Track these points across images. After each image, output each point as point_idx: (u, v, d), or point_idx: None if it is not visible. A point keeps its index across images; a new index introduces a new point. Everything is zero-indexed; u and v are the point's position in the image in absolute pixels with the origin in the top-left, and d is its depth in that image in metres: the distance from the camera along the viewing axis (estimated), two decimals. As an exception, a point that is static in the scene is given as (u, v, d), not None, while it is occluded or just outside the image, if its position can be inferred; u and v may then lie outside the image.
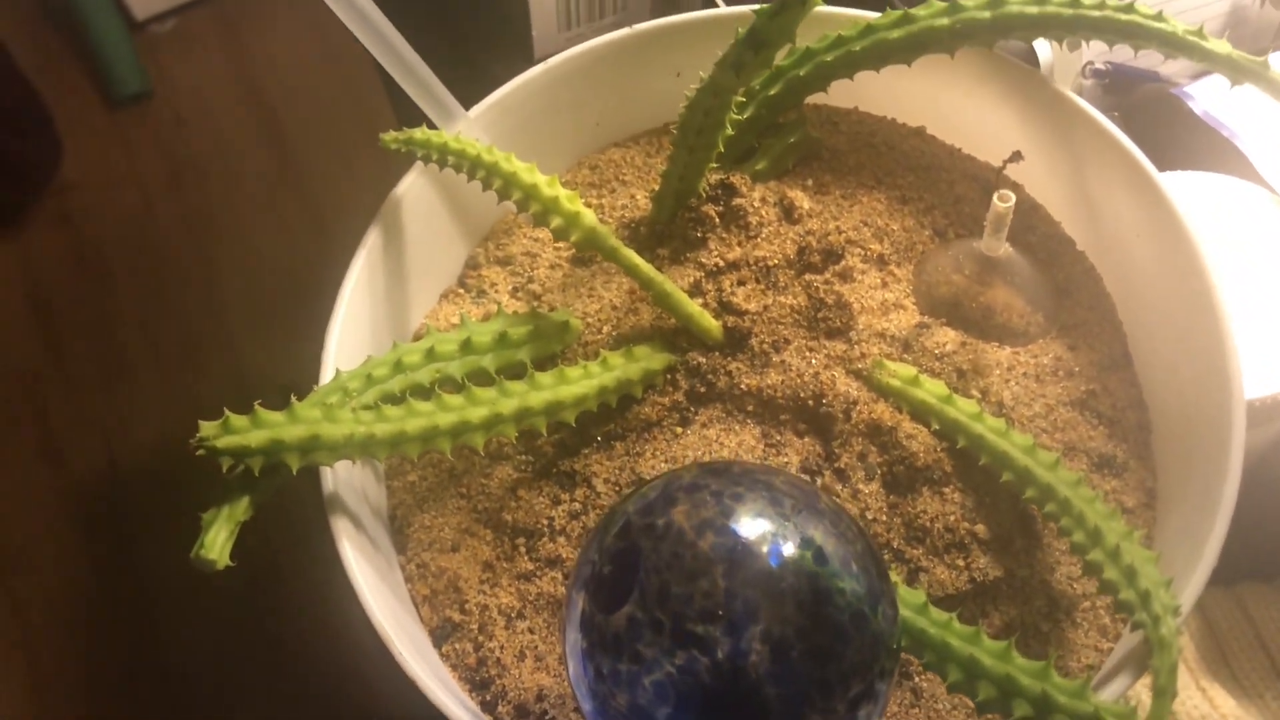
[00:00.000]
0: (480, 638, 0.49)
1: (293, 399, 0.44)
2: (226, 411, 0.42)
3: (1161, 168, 0.64)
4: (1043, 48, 0.66)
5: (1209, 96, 0.65)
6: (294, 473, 0.43)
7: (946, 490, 0.49)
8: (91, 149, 0.82)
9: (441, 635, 0.50)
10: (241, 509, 0.43)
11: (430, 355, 0.49)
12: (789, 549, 0.38)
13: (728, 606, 0.36)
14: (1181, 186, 0.62)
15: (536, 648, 0.49)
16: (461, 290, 0.59)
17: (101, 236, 0.77)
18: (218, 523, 0.42)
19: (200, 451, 0.41)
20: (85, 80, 0.85)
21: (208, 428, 0.42)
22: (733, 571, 0.37)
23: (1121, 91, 0.74)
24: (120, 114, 0.84)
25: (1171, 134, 0.71)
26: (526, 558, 0.51)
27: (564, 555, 0.50)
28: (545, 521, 0.51)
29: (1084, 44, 0.52)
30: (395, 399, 0.48)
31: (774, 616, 0.37)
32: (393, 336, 0.55)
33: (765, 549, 0.38)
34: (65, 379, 0.72)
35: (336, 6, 0.47)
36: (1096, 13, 0.50)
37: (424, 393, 0.49)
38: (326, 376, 0.49)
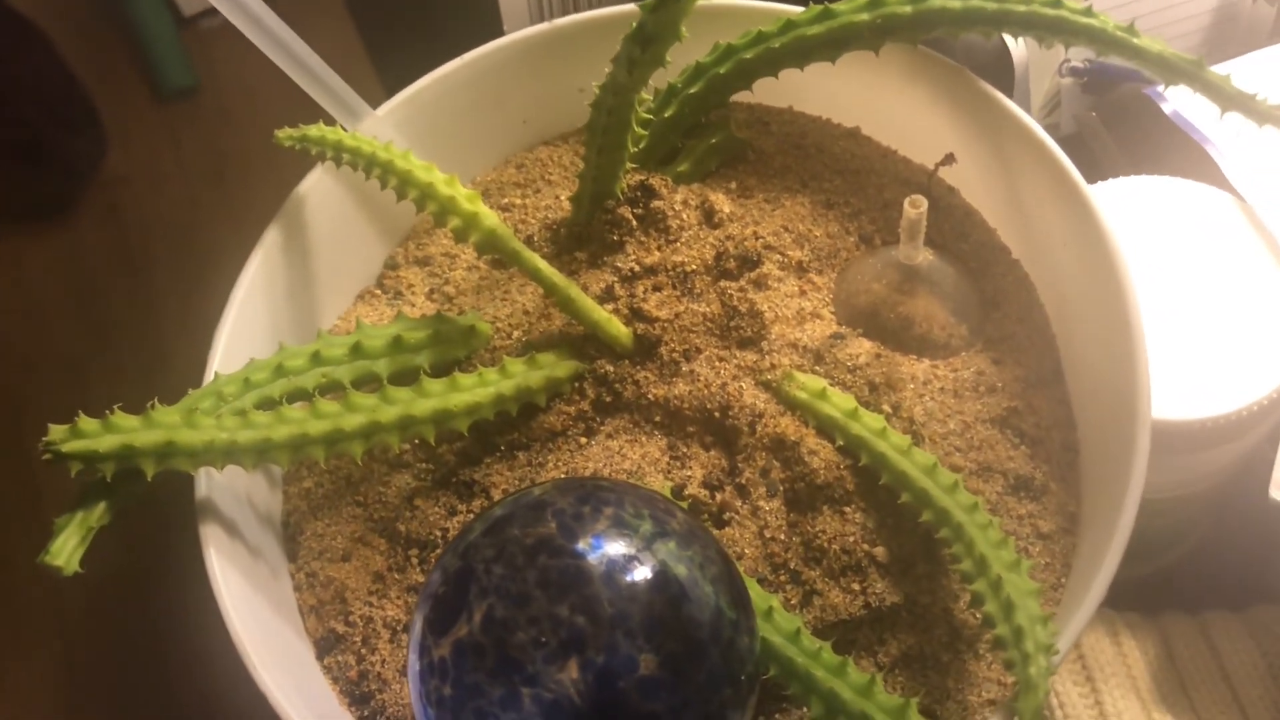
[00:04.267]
0: (363, 651, 0.48)
1: (154, 403, 0.43)
2: (80, 414, 0.41)
3: (1134, 170, 0.61)
4: (1015, 44, 0.63)
5: (1180, 98, 0.62)
6: (149, 479, 0.42)
7: (847, 510, 0.46)
8: (138, 142, 0.83)
9: (325, 647, 0.49)
10: (97, 515, 0.42)
11: (316, 359, 0.48)
12: (630, 572, 0.36)
13: (553, 633, 0.35)
14: (1143, 191, 0.59)
15: (422, 662, 0.48)
16: (379, 292, 0.58)
17: (146, 229, 0.77)
18: (69, 528, 0.41)
19: (46, 457, 0.40)
20: (132, 74, 0.87)
21: (56, 431, 0.41)
22: (561, 596, 0.35)
23: (1100, 90, 0.71)
24: (167, 108, 0.85)
25: (1146, 135, 0.68)
26: (418, 569, 0.49)
27: (455, 567, 0.49)
28: (439, 533, 0.49)
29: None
30: (275, 405, 0.47)
31: (602, 645, 0.35)
32: (300, 340, 0.54)
33: (601, 571, 0.36)
34: (107, 369, 0.73)
35: (223, 7, 0.46)
36: (1022, 7, 0.48)
37: (308, 399, 0.48)
38: (208, 379, 0.48)
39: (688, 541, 0.38)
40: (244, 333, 0.50)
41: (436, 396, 0.47)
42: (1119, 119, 0.71)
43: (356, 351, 0.49)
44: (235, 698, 0.48)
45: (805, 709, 0.44)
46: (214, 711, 0.57)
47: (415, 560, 0.49)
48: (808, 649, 0.40)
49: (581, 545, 0.36)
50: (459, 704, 0.35)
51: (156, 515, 0.45)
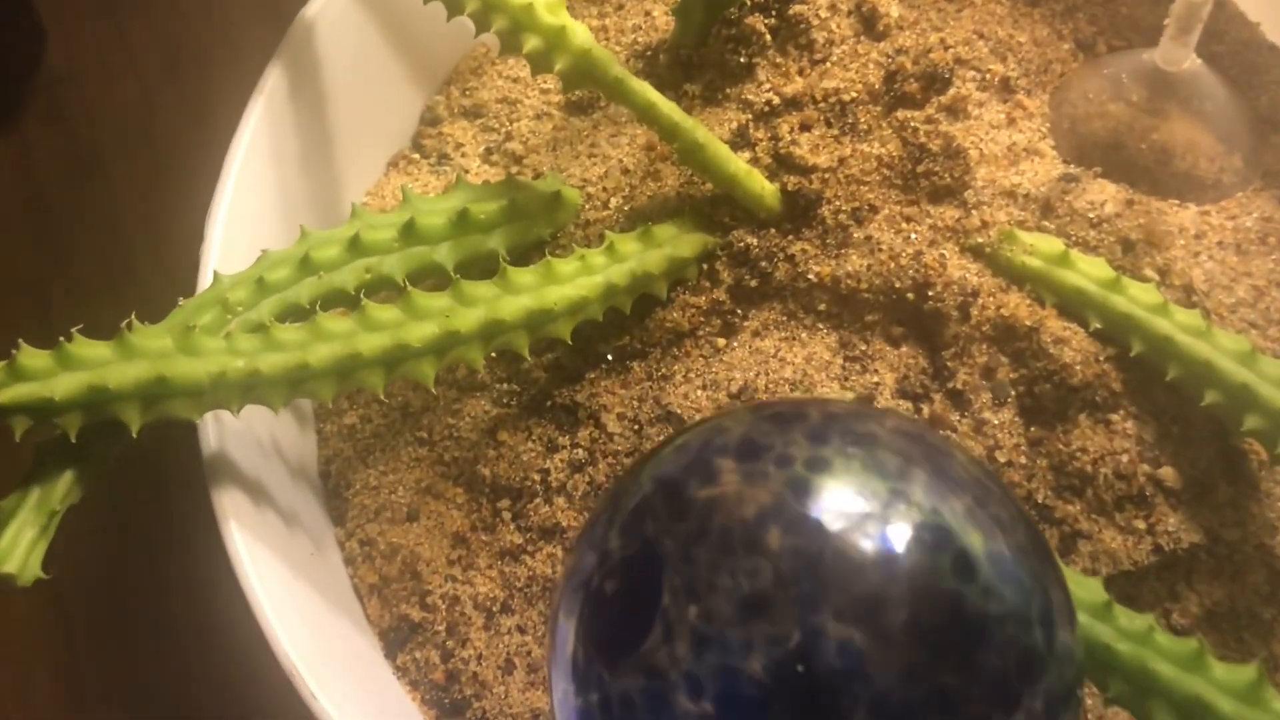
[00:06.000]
0: (450, 643, 0.35)
1: (131, 321, 0.29)
2: (21, 344, 0.27)
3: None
4: None
5: None
6: (134, 435, 0.28)
7: (1114, 418, 0.34)
8: (80, 37, 0.74)
9: (397, 640, 0.36)
10: (59, 493, 0.28)
11: (355, 248, 0.34)
12: (911, 550, 0.23)
13: (813, 656, 0.22)
14: None
15: (529, 654, 0.35)
16: (417, 156, 0.44)
17: (97, 131, 0.72)
18: (20, 516, 0.28)
19: (-26, 412, 0.26)
20: (64, -44, 0.78)
21: (-16, 373, 0.27)
22: (819, 595, 0.22)
23: None
24: (108, -5, 0.77)
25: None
26: (513, 526, 0.36)
27: (564, 522, 0.36)
28: (537, 476, 0.36)
29: None
30: (303, 314, 0.33)
31: (893, 669, 0.22)
32: (320, 224, 0.39)
33: (870, 552, 0.22)
34: (69, 284, 0.66)
35: None
36: None
37: (348, 303, 0.34)
38: (204, 283, 0.34)
39: (982, 498, 0.24)
40: (247, 215, 0.36)
41: (529, 292, 0.33)
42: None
43: (409, 234, 0.35)
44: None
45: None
46: None
47: (508, 515, 0.36)
48: (1132, 631, 0.27)
49: (831, 514, 0.23)
50: (660, 769, 0.22)
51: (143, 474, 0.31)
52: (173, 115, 0.70)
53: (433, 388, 0.32)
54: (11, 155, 0.70)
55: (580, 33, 0.35)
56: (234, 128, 0.37)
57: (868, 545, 0.23)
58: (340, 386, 0.31)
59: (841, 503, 0.23)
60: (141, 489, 0.41)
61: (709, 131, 0.36)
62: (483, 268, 0.36)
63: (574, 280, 0.34)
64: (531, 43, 0.34)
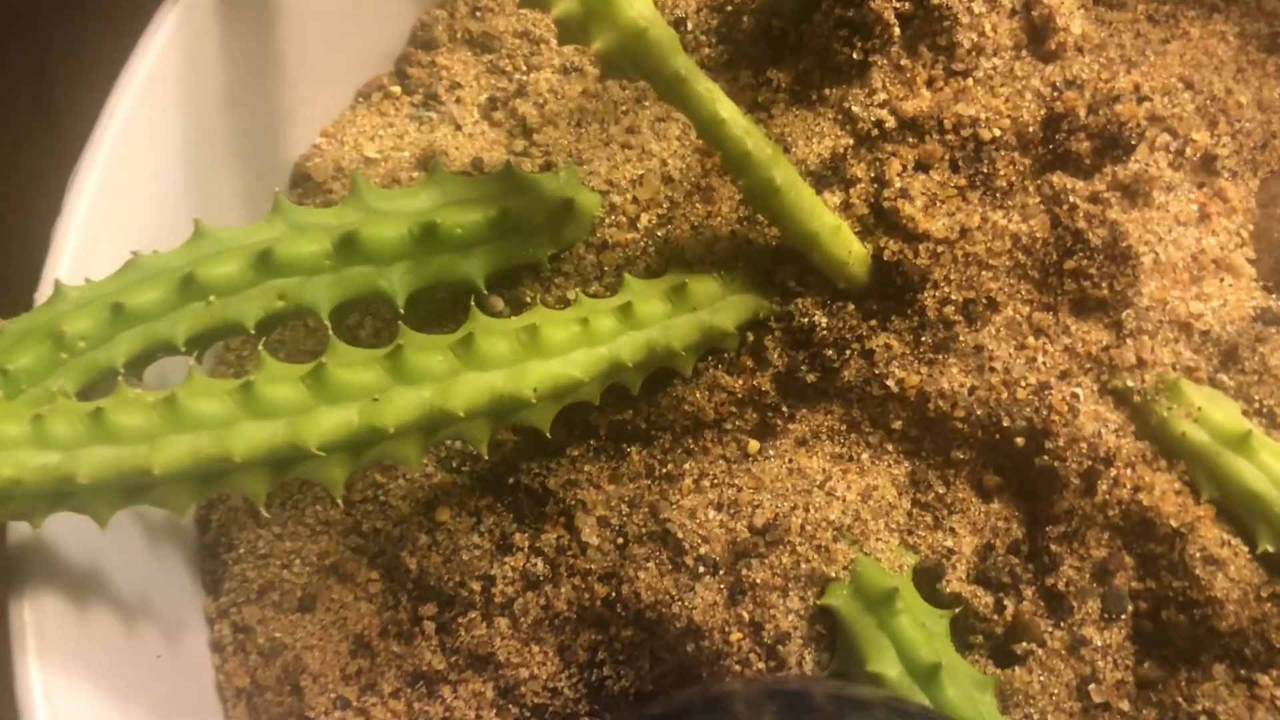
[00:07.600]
0: (328, 788, 0.27)
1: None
2: None
3: None
4: None
5: None
6: None
7: (1264, 680, 0.27)
8: None
9: (260, 769, 0.27)
10: None
11: (266, 264, 0.24)
12: None
13: None
14: None
15: (432, 818, 0.27)
16: (397, 88, 0.33)
17: None
18: None
19: None
20: None
21: None
22: None
23: None
24: None
25: None
26: (435, 642, 0.28)
27: (501, 655, 0.27)
28: (478, 584, 0.28)
29: None
30: (173, 351, 0.23)
31: None
32: (244, 196, 0.29)
33: None
34: (70, 24, 0.57)
35: None
36: None
37: (244, 334, 0.24)
38: (42, 293, 0.23)
39: None
40: (130, 183, 0.26)
41: (500, 368, 0.24)
42: None
43: (348, 250, 0.25)
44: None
45: None
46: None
47: (431, 626, 0.28)
48: None
49: None
50: None
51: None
52: None
53: (339, 500, 0.23)
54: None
55: (636, 2, 0.24)
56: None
57: None
58: (200, 492, 0.21)
59: None
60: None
61: (791, 170, 0.25)
62: (449, 304, 0.27)
63: (566, 354, 0.25)
64: (563, 4, 0.24)
